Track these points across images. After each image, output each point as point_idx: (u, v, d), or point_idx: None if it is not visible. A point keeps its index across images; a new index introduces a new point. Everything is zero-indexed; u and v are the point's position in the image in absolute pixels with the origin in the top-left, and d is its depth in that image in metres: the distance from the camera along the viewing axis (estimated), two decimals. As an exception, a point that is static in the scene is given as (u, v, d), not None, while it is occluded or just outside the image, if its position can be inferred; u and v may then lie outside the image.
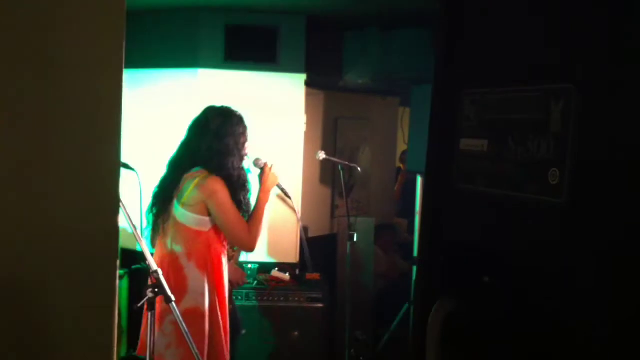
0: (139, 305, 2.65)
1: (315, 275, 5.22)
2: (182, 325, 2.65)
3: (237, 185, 3.32)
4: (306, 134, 5.22)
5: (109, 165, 1.70)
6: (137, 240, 2.69)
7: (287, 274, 5.11)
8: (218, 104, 4.85)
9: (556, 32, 1.60)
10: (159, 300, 2.69)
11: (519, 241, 1.70)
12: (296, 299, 4.94)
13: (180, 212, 3.27)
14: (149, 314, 2.65)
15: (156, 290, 2.66)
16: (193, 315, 3.23)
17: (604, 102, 1.48)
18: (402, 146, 7.11)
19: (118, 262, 1.67)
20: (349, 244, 4.76)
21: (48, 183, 1.56)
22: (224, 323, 3.38)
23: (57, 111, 1.58)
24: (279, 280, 5.05)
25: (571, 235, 1.55)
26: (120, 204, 2.74)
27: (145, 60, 5.14)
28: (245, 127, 3.44)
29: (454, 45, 1.91)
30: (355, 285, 4.99)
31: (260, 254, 4.87)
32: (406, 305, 5.31)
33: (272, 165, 3.62)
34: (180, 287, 3.25)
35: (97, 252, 1.64)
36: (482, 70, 1.82)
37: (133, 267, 5.00)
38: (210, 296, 3.28)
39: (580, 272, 1.51)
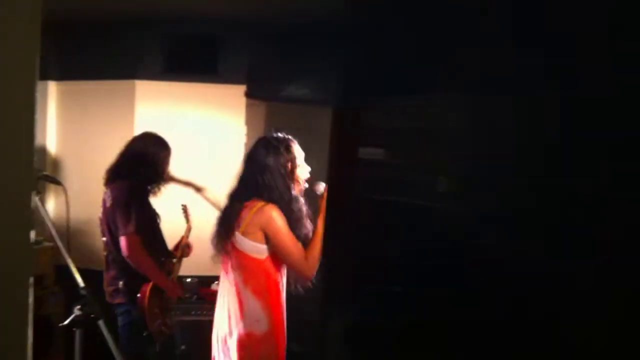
0: (65, 323, 2.57)
1: (256, 288, 5.16)
2: (111, 345, 2.58)
3: (291, 213, 3.27)
4: (247, 145, 5.18)
5: (21, 177, 1.62)
6: (64, 256, 2.61)
7: (228, 287, 5.04)
8: (162, 116, 4.85)
9: (451, 43, 1.62)
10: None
11: (416, 247, 1.71)
12: (237, 312, 4.88)
13: (239, 240, 3.27)
14: (77, 332, 2.58)
15: (84, 307, 2.59)
16: (247, 341, 3.23)
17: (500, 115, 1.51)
18: (345, 157, 7.12)
19: (32, 279, 1.60)
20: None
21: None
22: (281, 351, 3.34)
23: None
24: (219, 294, 4.97)
25: (462, 241, 1.57)
26: (49, 221, 2.66)
27: (81, 72, 5.05)
28: (290, 154, 3.37)
29: (359, 56, 1.91)
30: (296, 297, 4.94)
31: (200, 267, 4.80)
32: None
33: None
34: (236, 313, 3.28)
35: (9, 269, 1.57)
36: (384, 80, 1.83)
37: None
38: (267, 323, 3.27)
39: (473, 276, 1.53)
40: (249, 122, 5.20)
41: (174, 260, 4.32)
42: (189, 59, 4.99)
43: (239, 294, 3.30)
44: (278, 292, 3.33)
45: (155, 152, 4.26)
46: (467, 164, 1.59)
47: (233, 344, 3.16)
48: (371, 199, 1.76)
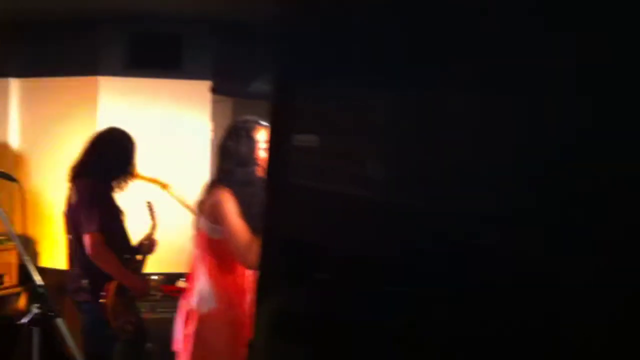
0: (23, 321, 2.54)
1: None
2: (70, 343, 2.56)
3: (244, 197, 3.26)
4: (214, 142, 5.16)
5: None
6: (21, 254, 2.59)
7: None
8: (126, 112, 4.82)
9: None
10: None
11: (349, 236, 1.73)
12: (203, 309, 4.86)
13: (199, 219, 3.37)
14: (34, 330, 2.56)
15: (42, 306, 2.57)
16: (190, 317, 3.32)
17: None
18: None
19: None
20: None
21: None
22: (235, 334, 3.32)
23: None
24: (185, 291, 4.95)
25: (389, 230, 1.59)
26: (4, 218, 2.63)
27: (44, 68, 5.00)
28: (251, 138, 3.36)
29: (293, 41, 1.92)
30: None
31: (166, 264, 4.78)
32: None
33: None
34: (190, 289, 3.40)
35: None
36: (317, 67, 1.85)
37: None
38: (214, 302, 3.30)
39: (400, 265, 1.55)
40: (214, 118, 5.18)
41: (139, 257, 4.29)
42: (152, 55, 4.96)
43: (194, 271, 3.36)
44: (234, 273, 3.34)
45: (120, 147, 4.23)
46: (403, 154, 1.62)
47: (180, 320, 3.29)
48: (308, 186, 1.79)
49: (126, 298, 4.10)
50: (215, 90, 5.14)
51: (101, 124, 4.80)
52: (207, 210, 3.30)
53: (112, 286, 3.99)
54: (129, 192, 4.27)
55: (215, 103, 5.15)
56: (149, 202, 4.43)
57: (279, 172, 1.88)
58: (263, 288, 1.96)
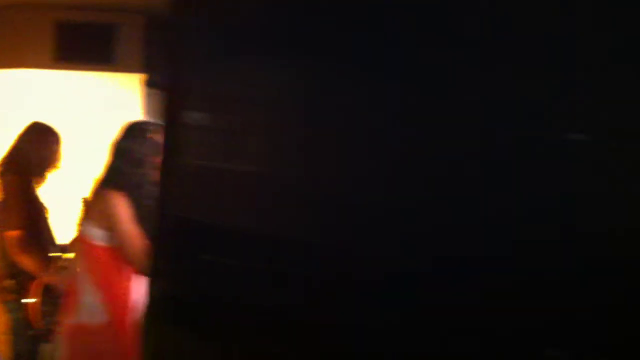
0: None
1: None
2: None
3: (139, 202, 3.10)
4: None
5: None
6: None
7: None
8: (51, 107, 4.69)
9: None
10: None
11: (245, 214, 1.73)
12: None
13: (85, 226, 3.18)
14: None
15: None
16: (79, 332, 3.12)
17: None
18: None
19: None
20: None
21: None
22: (126, 346, 3.09)
23: None
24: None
25: (281, 206, 1.61)
26: None
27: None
28: (146, 141, 3.20)
29: (185, 25, 1.93)
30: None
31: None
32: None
33: None
34: (73, 302, 3.16)
35: None
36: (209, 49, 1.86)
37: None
38: (105, 315, 3.12)
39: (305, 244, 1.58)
40: (148, 112, 5.09)
41: (65, 255, 4.21)
42: (83, 47, 4.85)
43: (78, 282, 3.18)
44: (124, 283, 3.17)
45: (45, 142, 4.16)
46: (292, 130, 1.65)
47: (62, 335, 3.11)
48: (200, 164, 1.79)
49: (51, 297, 4.02)
50: (148, 83, 5.05)
51: (30, 118, 4.68)
52: (97, 215, 3.13)
53: (37, 285, 3.91)
54: (57, 186, 4.20)
55: (147, 96, 5.06)
56: (84, 199, 4.34)
57: (172, 152, 1.85)
58: (156, 271, 1.92)
